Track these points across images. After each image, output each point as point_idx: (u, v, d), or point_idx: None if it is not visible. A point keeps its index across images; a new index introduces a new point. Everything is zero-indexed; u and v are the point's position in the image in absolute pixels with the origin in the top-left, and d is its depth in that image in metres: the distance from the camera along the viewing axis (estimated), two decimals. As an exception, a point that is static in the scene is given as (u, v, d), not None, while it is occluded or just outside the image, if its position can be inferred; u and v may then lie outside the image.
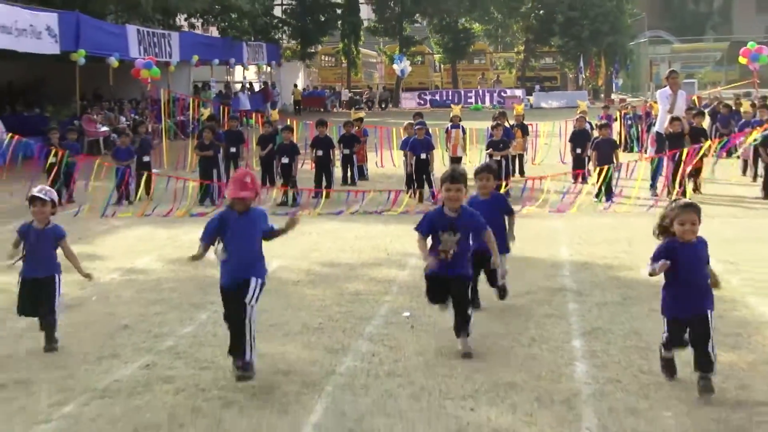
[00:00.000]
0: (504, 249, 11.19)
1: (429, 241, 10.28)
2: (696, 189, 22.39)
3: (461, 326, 9.89)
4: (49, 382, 9.16)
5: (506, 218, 11.90)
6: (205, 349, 10.32)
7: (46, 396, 8.81)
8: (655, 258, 8.47)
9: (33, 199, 10.43)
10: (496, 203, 11.53)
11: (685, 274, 8.54)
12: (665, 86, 23.51)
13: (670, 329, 8.73)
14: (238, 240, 9.13)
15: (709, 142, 21.98)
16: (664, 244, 8.54)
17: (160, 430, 7.98)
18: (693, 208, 8.32)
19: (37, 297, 10.51)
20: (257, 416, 8.21)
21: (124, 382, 9.21)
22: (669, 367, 9.02)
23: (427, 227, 10.10)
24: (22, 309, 10.66)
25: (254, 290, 9.14)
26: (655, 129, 24.68)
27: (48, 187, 10.10)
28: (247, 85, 72.98)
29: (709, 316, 8.45)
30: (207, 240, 9.26)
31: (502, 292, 11.91)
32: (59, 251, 10.95)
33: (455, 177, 9.86)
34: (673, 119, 23.13)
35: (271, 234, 9.53)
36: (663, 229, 8.58)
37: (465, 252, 10.12)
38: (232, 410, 8.41)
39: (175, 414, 8.31)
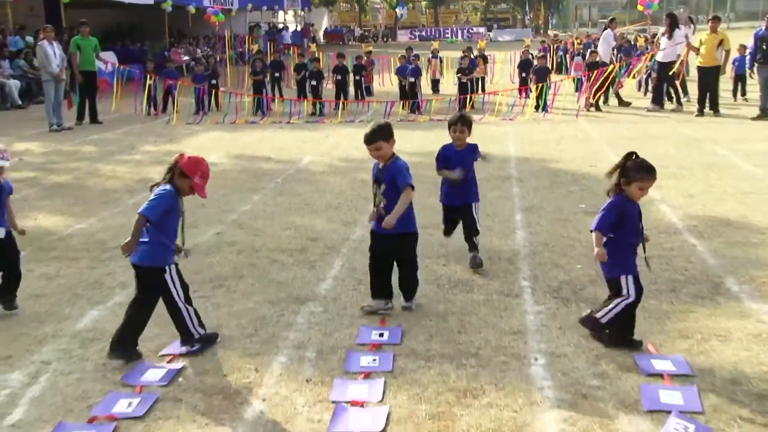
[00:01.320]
0: (476, 197, 8.68)
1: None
2: (606, 101, 22.25)
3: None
4: (148, 246, 9.23)
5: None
6: (258, 221, 10.32)
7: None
8: (603, 225, 6.21)
9: None
10: (471, 154, 8.60)
11: (628, 236, 6.31)
12: (607, 29, 23.71)
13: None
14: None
15: (612, 66, 21.69)
16: (614, 209, 6.20)
17: (227, 280, 8.02)
18: (654, 175, 6.25)
19: None
20: (294, 270, 8.27)
21: (201, 245, 9.26)
22: None
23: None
24: None
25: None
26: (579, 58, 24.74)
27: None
28: (288, 26, 72.44)
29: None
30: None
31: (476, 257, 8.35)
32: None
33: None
34: (592, 52, 22.94)
35: None
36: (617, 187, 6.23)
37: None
38: (276, 266, 8.45)
39: (237, 268, 8.39)
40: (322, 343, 6.43)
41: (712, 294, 7.33)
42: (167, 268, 6.05)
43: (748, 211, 10.15)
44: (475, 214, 8.59)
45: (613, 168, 6.28)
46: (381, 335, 6.58)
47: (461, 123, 8.45)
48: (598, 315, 6.21)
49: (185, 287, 6.23)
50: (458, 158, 8.47)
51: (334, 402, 5.42)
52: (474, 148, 8.60)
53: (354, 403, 5.37)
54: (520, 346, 6.27)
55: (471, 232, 8.47)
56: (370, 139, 7.43)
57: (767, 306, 7.00)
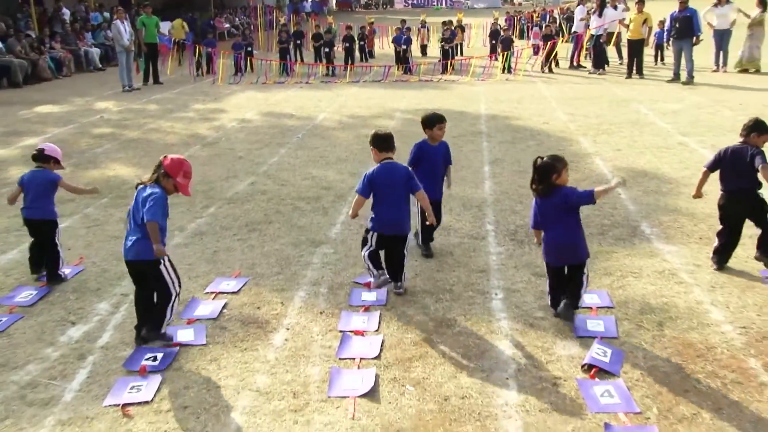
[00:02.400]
0: (439, 194, 6.92)
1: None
2: (557, 65, 21.82)
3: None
4: (200, 193, 9.17)
5: (447, 167, 7.09)
6: (284, 173, 10.22)
7: (199, 201, 8.84)
8: (538, 223, 5.47)
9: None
10: (445, 151, 6.96)
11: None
12: (579, 5, 22.63)
13: (551, 281, 5.52)
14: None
15: (562, 38, 21.27)
16: (537, 207, 5.42)
17: (260, 224, 7.95)
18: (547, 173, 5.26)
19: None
20: (310, 216, 8.20)
21: (240, 193, 9.21)
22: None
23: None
24: None
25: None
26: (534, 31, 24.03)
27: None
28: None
29: (586, 265, 5.33)
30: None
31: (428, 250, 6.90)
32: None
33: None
34: (546, 25, 22.40)
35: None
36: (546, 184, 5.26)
37: None
38: (297, 212, 8.34)
39: (267, 214, 8.33)
40: (332, 280, 6.42)
41: (630, 236, 7.31)
42: (162, 259, 5.07)
43: (660, 163, 10.06)
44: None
45: (536, 180, 5.30)
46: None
47: (444, 121, 6.88)
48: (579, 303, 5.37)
49: (179, 277, 5.25)
50: (435, 154, 6.88)
51: (341, 331, 5.43)
52: (446, 146, 7.06)
53: (356, 333, 5.38)
54: (484, 282, 6.27)
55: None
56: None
57: (670, 246, 6.99)
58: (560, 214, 5.17)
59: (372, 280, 5.96)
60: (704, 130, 12.07)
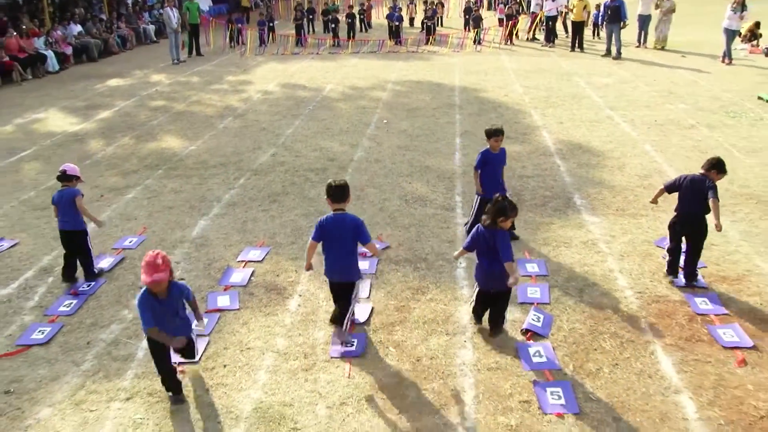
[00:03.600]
0: (502, 191, 5.59)
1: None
2: (517, 37, 21.07)
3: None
4: (232, 164, 9.09)
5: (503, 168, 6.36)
6: (298, 144, 10.04)
7: (232, 173, 8.78)
8: (468, 245, 4.78)
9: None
10: (503, 156, 6.30)
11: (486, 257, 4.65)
12: None
13: (477, 298, 4.91)
14: (167, 323, 4.07)
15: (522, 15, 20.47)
16: (476, 234, 4.68)
17: (279, 195, 7.84)
18: (510, 214, 4.59)
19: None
20: (318, 187, 8.06)
21: (263, 164, 9.09)
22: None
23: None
24: None
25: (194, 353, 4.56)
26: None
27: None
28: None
29: (510, 293, 4.78)
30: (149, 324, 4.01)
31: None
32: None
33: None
34: (508, 6, 21.47)
35: (192, 304, 4.38)
36: (493, 221, 4.54)
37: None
38: (308, 184, 8.22)
39: (285, 186, 8.22)
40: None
41: (565, 208, 7.29)
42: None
43: (592, 137, 9.92)
44: None
45: (489, 212, 4.58)
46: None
47: (502, 133, 6.24)
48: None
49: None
50: (496, 161, 6.29)
51: None
52: (504, 152, 6.36)
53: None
54: (451, 252, 6.20)
55: None
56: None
57: (594, 218, 6.95)
58: (489, 250, 4.57)
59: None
60: (626, 104, 11.82)
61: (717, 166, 5.30)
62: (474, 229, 4.73)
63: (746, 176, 7.95)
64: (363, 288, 5.53)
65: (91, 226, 6.08)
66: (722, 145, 9.15)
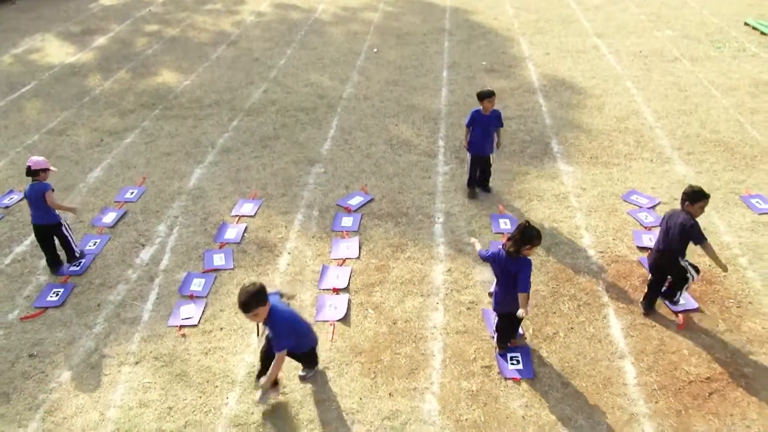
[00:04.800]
0: (489, 150, 6.13)
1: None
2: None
3: None
4: (226, 103, 8.79)
5: (498, 130, 6.04)
6: (288, 78, 9.62)
7: (225, 114, 8.51)
8: (484, 257, 4.27)
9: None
10: (496, 118, 5.96)
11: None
12: None
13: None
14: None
15: None
16: (530, 268, 4.07)
17: (270, 140, 7.66)
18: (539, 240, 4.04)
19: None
20: (308, 129, 7.91)
21: (256, 104, 8.75)
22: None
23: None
24: None
25: None
26: None
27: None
28: None
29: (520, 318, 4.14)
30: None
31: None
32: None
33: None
34: None
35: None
36: (518, 249, 4.03)
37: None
38: (298, 126, 7.97)
39: (275, 128, 8.00)
40: (322, 202, 6.36)
41: (542, 155, 7.16)
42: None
43: (576, 71, 9.51)
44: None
45: (515, 239, 4.04)
46: (358, 200, 6.27)
47: (494, 95, 5.90)
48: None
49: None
50: (486, 122, 5.99)
51: (333, 259, 5.41)
52: (497, 113, 6.04)
53: (340, 263, 5.38)
54: (431, 206, 6.20)
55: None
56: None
57: (568, 167, 6.82)
58: (505, 275, 4.13)
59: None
60: (613, 31, 11.19)
61: (686, 197, 4.41)
62: (497, 251, 4.15)
63: (719, 119, 7.76)
64: (352, 247, 5.55)
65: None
66: (701, 82, 8.82)
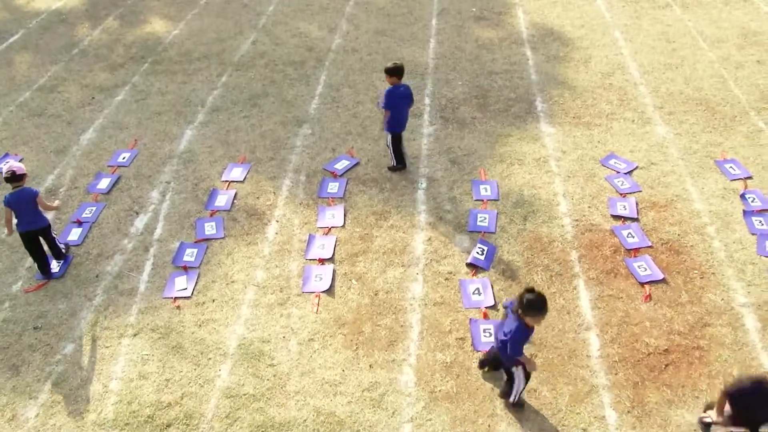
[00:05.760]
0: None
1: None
2: None
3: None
4: (215, 56, 8.35)
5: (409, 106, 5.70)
6: (277, 27, 9.04)
7: (215, 69, 8.11)
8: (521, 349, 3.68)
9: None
10: (408, 93, 5.65)
11: None
12: None
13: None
14: None
15: None
16: (524, 333, 3.59)
17: (259, 98, 7.28)
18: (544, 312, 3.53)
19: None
20: (296, 86, 7.52)
21: (245, 57, 8.30)
22: None
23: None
24: None
25: None
26: None
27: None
28: None
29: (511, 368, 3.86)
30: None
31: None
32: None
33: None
34: None
35: None
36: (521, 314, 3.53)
37: None
38: (287, 81, 7.56)
39: (264, 84, 7.62)
40: (309, 166, 6.18)
41: (525, 114, 6.89)
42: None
43: (566, 19, 8.94)
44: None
45: (521, 305, 3.53)
46: (344, 164, 6.11)
47: (403, 70, 5.55)
48: (510, 399, 3.96)
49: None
50: (404, 95, 5.65)
51: (320, 227, 5.33)
52: (408, 88, 5.72)
53: (326, 232, 5.31)
54: (415, 170, 6.03)
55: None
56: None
57: (550, 128, 6.59)
58: (501, 325, 3.75)
59: None
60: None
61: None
62: (510, 302, 3.73)
63: (704, 74, 7.40)
64: (337, 215, 5.46)
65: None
66: (690, 32, 8.32)
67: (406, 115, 5.73)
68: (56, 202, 5.32)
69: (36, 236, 4.95)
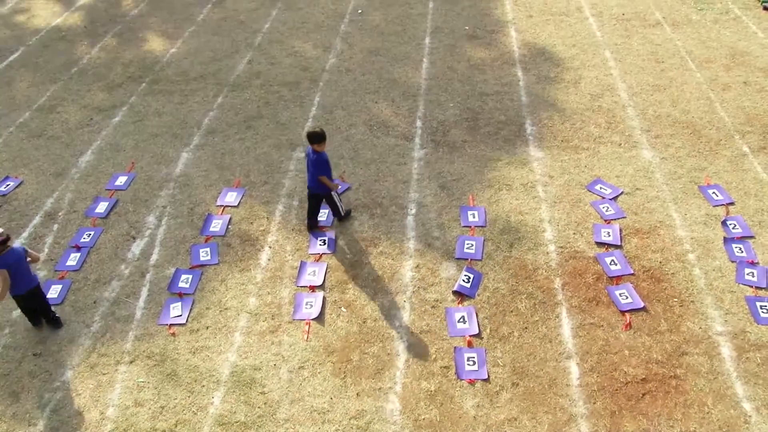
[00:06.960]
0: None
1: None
2: None
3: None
4: (211, 76, 8.51)
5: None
6: (273, 46, 9.16)
7: (210, 89, 8.25)
8: None
9: None
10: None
11: None
12: None
13: None
14: None
15: None
16: None
17: (254, 120, 7.48)
18: None
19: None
20: (290, 108, 7.64)
21: (241, 77, 8.50)
22: None
23: None
24: None
25: None
26: None
27: None
28: None
29: None
30: None
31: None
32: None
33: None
34: None
35: None
36: None
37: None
38: (281, 103, 7.79)
39: (258, 106, 7.78)
40: (301, 191, 6.27)
41: (515, 137, 7.03)
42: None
43: (557, 38, 9.09)
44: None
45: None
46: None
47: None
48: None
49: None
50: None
51: (311, 254, 5.47)
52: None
53: (317, 259, 5.44)
54: (404, 195, 6.16)
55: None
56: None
57: (538, 152, 6.70)
58: None
59: None
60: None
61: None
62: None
63: (691, 96, 7.56)
64: (328, 242, 5.57)
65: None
66: (679, 52, 8.49)
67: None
68: (42, 255, 5.29)
69: (30, 297, 4.77)
